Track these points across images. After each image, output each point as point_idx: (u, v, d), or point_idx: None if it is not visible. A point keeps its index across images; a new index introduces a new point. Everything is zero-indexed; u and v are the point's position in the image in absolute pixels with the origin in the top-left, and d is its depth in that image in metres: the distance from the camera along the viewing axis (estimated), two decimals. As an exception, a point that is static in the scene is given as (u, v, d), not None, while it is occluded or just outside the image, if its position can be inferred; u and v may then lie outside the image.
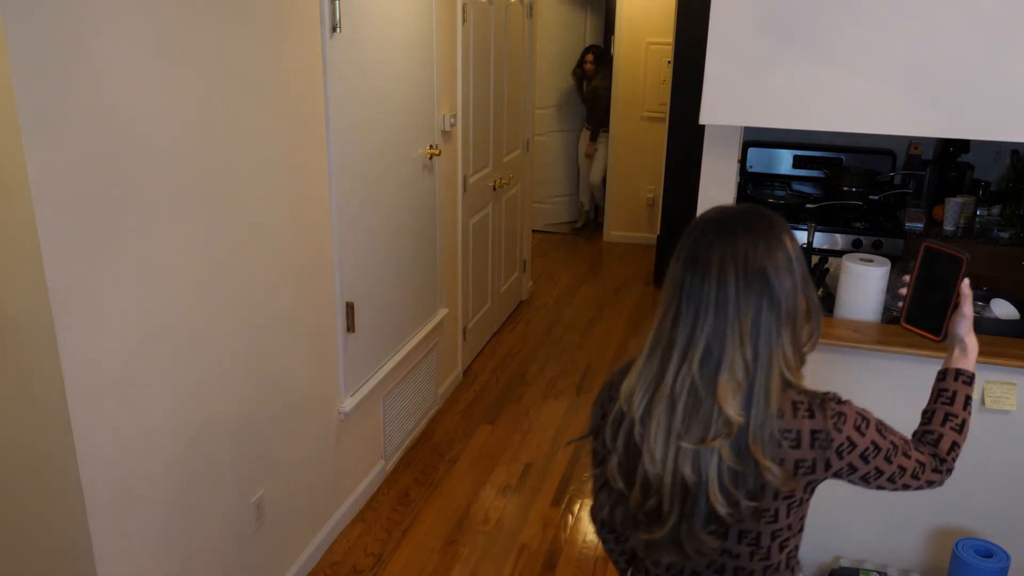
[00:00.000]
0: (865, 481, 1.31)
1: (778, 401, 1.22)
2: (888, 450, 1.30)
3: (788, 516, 1.29)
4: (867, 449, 1.27)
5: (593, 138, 6.83)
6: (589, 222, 7.38)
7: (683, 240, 1.28)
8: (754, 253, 1.21)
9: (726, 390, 1.20)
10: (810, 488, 1.29)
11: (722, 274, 1.20)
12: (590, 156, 6.89)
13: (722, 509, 1.22)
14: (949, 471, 1.38)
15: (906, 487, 1.35)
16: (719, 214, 1.27)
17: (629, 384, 1.29)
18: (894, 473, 1.31)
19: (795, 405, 1.24)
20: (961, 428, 1.40)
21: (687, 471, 1.22)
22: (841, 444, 1.25)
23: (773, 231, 1.24)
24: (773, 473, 1.21)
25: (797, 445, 1.23)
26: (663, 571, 1.41)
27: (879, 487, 1.33)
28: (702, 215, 1.30)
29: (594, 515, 1.48)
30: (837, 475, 1.28)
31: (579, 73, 6.66)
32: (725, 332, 1.20)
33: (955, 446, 1.39)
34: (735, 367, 1.20)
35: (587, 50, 6.57)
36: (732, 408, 1.20)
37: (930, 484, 1.37)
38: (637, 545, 1.35)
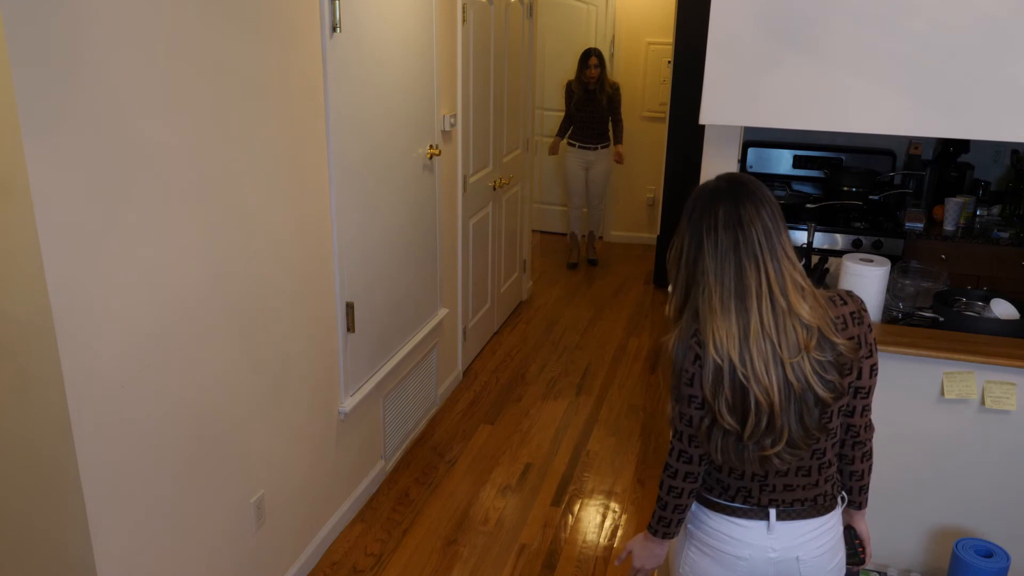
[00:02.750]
0: (872, 374, 1.65)
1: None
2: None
3: (848, 393, 1.64)
4: (875, 339, 1.66)
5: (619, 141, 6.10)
6: (584, 259, 6.49)
7: (704, 212, 1.55)
8: (766, 195, 1.55)
9: (797, 300, 1.53)
10: (859, 372, 1.63)
11: (763, 221, 1.52)
12: (620, 161, 6.14)
13: (825, 394, 1.55)
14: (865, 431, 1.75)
15: (867, 409, 1.70)
16: (723, 185, 1.57)
17: (718, 340, 1.53)
18: (874, 386, 1.69)
19: (831, 300, 1.60)
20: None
21: (793, 380, 1.53)
22: (869, 324, 1.63)
23: (754, 178, 1.60)
24: (844, 345, 1.56)
25: (846, 327, 1.59)
26: (749, 479, 1.67)
27: (870, 393, 1.68)
28: (703, 192, 1.59)
29: (684, 439, 1.68)
30: (867, 358, 1.63)
31: (583, 80, 5.80)
32: (780, 259, 1.53)
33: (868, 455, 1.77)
34: (796, 280, 1.54)
35: (588, 53, 5.80)
36: (805, 311, 1.53)
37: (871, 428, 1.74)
38: (751, 465, 1.60)
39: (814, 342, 1.53)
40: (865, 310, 1.64)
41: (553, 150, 6.21)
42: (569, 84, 5.98)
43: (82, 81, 1.72)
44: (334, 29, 2.66)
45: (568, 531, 3.18)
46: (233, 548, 2.45)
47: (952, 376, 2.29)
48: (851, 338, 1.60)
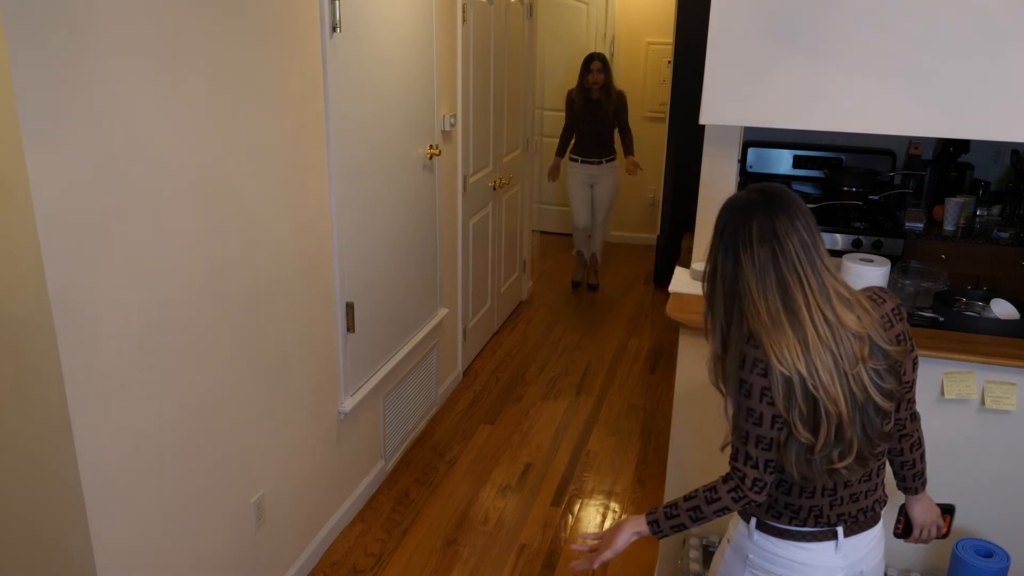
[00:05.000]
0: (914, 368, 1.66)
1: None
2: None
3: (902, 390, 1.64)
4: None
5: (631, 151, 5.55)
6: (588, 283, 5.95)
7: (738, 227, 1.52)
8: (799, 205, 1.53)
9: (843, 311, 1.51)
10: (904, 369, 1.62)
11: (799, 233, 1.50)
12: (634, 172, 5.57)
13: (884, 402, 1.55)
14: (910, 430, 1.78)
15: (911, 402, 1.72)
16: (755, 196, 1.54)
17: (778, 353, 1.49)
18: (915, 380, 1.70)
19: (872, 299, 1.60)
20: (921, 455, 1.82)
21: (855, 390, 1.52)
22: (905, 318, 1.64)
23: (786, 189, 1.56)
24: (896, 350, 1.56)
25: (891, 324, 1.60)
26: (820, 496, 1.64)
27: (912, 386, 1.69)
28: (735, 205, 1.56)
29: (760, 466, 1.60)
30: (910, 352, 1.64)
31: (586, 86, 5.32)
32: (820, 272, 1.51)
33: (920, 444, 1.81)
34: (839, 291, 1.53)
35: (591, 57, 5.30)
36: (852, 321, 1.51)
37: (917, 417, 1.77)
38: (821, 477, 1.57)
39: (867, 351, 1.52)
40: (902, 305, 1.65)
41: (553, 175, 5.68)
42: (569, 93, 5.48)
43: (82, 81, 1.72)
44: (334, 29, 2.66)
45: (568, 531, 3.18)
46: (233, 548, 2.44)
47: (952, 376, 2.29)
48: (899, 335, 1.60)
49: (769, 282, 1.50)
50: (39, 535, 1.92)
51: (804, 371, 1.48)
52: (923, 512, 1.88)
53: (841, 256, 2.51)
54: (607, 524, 3.23)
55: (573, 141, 5.55)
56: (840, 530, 1.67)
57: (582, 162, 5.54)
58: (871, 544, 1.72)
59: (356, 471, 3.22)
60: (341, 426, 3.04)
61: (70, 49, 1.69)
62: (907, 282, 2.65)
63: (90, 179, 1.77)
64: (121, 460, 1.96)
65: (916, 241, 3.80)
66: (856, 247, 3.82)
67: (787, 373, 1.49)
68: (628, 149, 5.50)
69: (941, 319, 2.46)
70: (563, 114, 5.60)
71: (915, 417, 1.75)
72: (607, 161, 5.54)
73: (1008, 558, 2.20)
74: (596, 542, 1.77)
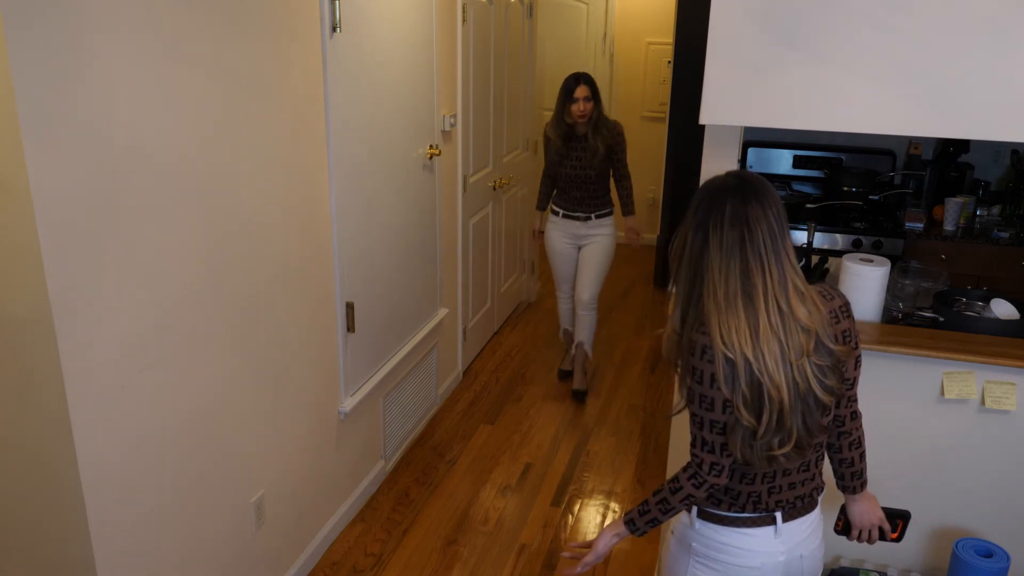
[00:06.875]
0: (857, 366, 1.71)
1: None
2: None
3: (844, 387, 1.69)
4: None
5: (630, 211, 4.14)
6: (574, 388, 4.25)
7: (712, 208, 1.55)
8: (774, 196, 1.56)
9: (797, 303, 1.55)
10: (847, 367, 1.67)
11: (768, 222, 1.53)
12: (633, 241, 4.25)
13: (825, 396, 1.58)
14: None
15: (852, 400, 1.76)
16: (732, 181, 1.57)
17: (725, 335, 1.52)
18: (858, 378, 1.75)
19: (822, 295, 1.64)
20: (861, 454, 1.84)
21: (798, 379, 1.55)
22: (853, 316, 1.68)
23: (762, 178, 1.60)
24: (840, 350, 1.59)
25: (838, 320, 1.64)
26: (759, 483, 1.67)
27: (854, 384, 1.74)
28: (711, 187, 1.58)
29: (716, 450, 1.63)
30: (854, 349, 1.68)
31: (567, 120, 3.89)
32: (783, 262, 1.55)
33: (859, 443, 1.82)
34: (796, 284, 1.56)
35: (575, 80, 3.84)
36: (803, 315, 1.55)
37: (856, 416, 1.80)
38: (760, 462, 1.59)
39: (812, 345, 1.56)
40: (849, 303, 1.69)
41: (536, 235, 4.45)
42: (546, 129, 4.06)
43: (82, 81, 1.72)
44: (334, 29, 2.66)
45: (568, 531, 3.18)
46: (233, 548, 2.45)
47: (952, 376, 2.29)
48: (844, 331, 1.64)
49: (733, 264, 1.52)
50: (39, 535, 1.92)
51: (751, 355, 1.52)
52: (862, 514, 1.88)
53: (841, 256, 2.51)
54: (607, 524, 3.23)
55: (555, 191, 4.17)
56: (779, 515, 1.70)
57: (564, 216, 4.10)
58: (809, 529, 1.75)
59: (356, 471, 3.22)
60: (341, 426, 3.04)
61: (70, 49, 1.69)
62: (907, 282, 2.65)
63: (90, 179, 1.77)
64: (121, 460, 1.96)
65: (916, 241, 3.80)
66: (856, 247, 3.82)
67: (731, 355, 1.52)
68: (627, 208, 4.11)
69: (941, 319, 2.46)
70: (541, 175, 4.26)
71: (856, 415, 1.78)
72: (598, 217, 4.07)
73: (1008, 558, 2.19)
74: (584, 549, 1.82)
